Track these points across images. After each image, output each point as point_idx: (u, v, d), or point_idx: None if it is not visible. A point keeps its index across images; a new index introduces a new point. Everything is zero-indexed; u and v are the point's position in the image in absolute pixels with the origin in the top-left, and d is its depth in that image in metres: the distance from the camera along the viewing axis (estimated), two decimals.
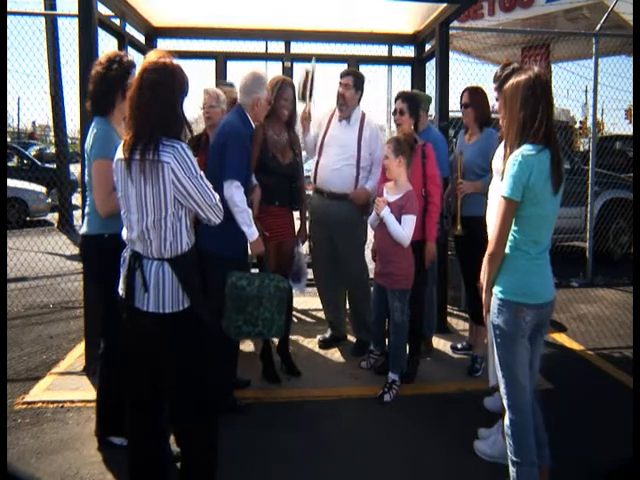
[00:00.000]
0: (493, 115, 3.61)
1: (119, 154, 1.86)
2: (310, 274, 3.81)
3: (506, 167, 1.99)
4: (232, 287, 2.65)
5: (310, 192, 3.99)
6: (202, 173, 1.86)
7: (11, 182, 9.41)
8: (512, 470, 2.08)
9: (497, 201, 2.44)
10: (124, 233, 1.94)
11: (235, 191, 2.77)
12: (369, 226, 3.53)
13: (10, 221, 9.00)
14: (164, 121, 1.78)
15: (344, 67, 3.86)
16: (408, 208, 3.12)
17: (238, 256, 2.91)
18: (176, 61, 1.84)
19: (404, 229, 3.11)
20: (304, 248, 3.68)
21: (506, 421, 2.10)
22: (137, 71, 1.87)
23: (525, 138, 1.98)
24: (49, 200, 10.30)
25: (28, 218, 10.00)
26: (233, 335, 2.73)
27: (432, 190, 3.33)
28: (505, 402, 2.10)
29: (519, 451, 2.06)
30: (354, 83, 3.66)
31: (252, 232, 2.85)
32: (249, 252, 2.98)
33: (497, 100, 2.59)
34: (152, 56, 1.83)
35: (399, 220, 3.12)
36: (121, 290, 1.91)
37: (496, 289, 2.07)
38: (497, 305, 2.06)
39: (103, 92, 2.48)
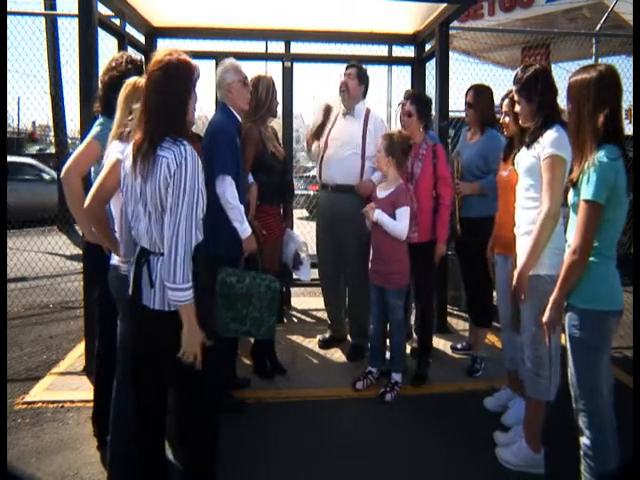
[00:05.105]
0: (498, 116, 3.59)
1: (127, 151, 1.88)
2: (314, 274, 3.82)
3: (589, 170, 1.86)
4: (222, 283, 2.64)
5: (312, 192, 4.01)
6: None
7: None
8: None
9: (525, 200, 2.42)
10: (133, 228, 1.93)
11: (227, 187, 2.77)
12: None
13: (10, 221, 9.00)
14: (170, 123, 1.77)
15: (344, 67, 3.86)
16: (400, 201, 3.13)
17: (233, 256, 2.90)
18: (184, 57, 1.82)
19: (399, 222, 3.12)
20: (295, 233, 3.71)
21: (585, 441, 1.96)
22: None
23: (602, 139, 1.87)
24: None
25: None
26: (220, 332, 2.72)
27: (443, 191, 3.30)
28: (585, 420, 1.96)
29: (600, 475, 1.91)
30: (357, 74, 3.68)
31: (244, 229, 2.85)
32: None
33: (518, 103, 2.48)
34: (159, 54, 1.83)
35: (394, 216, 3.13)
36: (130, 288, 1.92)
37: (574, 300, 1.95)
38: (579, 318, 1.92)
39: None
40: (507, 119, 2.83)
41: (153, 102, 1.78)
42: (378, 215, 3.13)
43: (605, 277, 1.94)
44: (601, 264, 1.93)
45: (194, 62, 1.85)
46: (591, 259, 1.92)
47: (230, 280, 2.66)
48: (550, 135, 2.31)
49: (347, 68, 3.74)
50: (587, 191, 1.86)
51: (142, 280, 1.86)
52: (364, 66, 3.81)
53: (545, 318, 2.01)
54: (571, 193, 1.99)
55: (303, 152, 6.53)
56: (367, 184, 3.59)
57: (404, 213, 3.13)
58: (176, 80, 1.79)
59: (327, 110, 3.62)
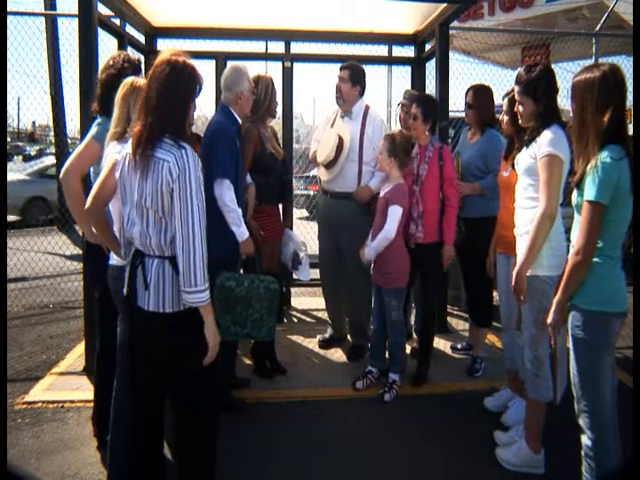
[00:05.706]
0: (498, 115, 3.58)
1: (127, 148, 1.87)
2: (314, 274, 3.82)
3: (592, 170, 1.83)
4: (220, 287, 2.64)
5: (312, 192, 4.01)
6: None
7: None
8: None
9: (523, 201, 2.43)
10: (127, 230, 1.93)
11: (225, 190, 2.77)
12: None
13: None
14: (169, 119, 1.78)
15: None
16: (393, 200, 3.14)
17: (231, 259, 2.90)
18: (191, 62, 1.83)
19: (387, 224, 3.13)
20: (294, 233, 3.71)
21: (587, 442, 1.94)
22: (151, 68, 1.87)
23: (606, 139, 1.85)
24: None
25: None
26: (222, 336, 2.72)
27: (449, 193, 3.28)
28: (587, 420, 1.94)
29: (601, 476, 1.91)
30: (350, 76, 3.59)
31: (242, 232, 2.86)
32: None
33: (521, 103, 2.45)
34: (166, 53, 1.83)
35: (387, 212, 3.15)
36: (124, 289, 1.92)
37: (578, 301, 1.93)
38: (581, 318, 1.91)
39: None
40: (506, 118, 2.83)
41: (155, 96, 1.77)
42: (371, 252, 3.18)
43: (609, 278, 1.91)
44: (605, 265, 1.90)
45: (200, 73, 1.85)
46: (595, 260, 1.90)
47: (229, 284, 2.66)
48: (547, 135, 2.30)
49: (340, 69, 3.66)
50: (590, 192, 1.84)
51: (137, 281, 1.86)
52: (359, 65, 3.71)
53: (549, 320, 2.00)
54: (575, 194, 1.97)
55: None
56: (364, 190, 3.58)
57: (393, 212, 3.13)
58: (180, 80, 1.79)
59: (340, 146, 3.53)
